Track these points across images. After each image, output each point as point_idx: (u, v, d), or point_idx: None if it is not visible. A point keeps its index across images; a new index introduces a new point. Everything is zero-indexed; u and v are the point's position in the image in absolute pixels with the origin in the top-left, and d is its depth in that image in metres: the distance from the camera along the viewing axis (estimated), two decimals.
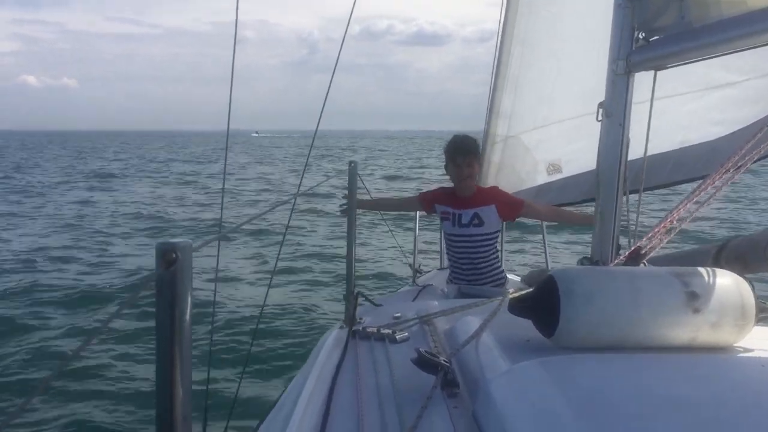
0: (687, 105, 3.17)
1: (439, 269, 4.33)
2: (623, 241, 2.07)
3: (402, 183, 23.69)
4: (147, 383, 4.95)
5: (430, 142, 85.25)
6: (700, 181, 1.80)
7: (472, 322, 1.76)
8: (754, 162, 1.87)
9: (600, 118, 2.01)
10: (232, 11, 2.66)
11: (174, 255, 0.80)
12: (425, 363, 1.46)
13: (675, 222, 1.82)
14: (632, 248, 1.88)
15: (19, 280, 8.26)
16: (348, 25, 2.95)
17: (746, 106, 3.00)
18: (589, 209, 2.78)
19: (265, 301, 3.32)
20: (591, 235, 2.11)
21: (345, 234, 2.56)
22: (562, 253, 9.52)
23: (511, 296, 1.68)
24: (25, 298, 7.44)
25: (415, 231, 4.57)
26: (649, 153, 2.05)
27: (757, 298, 1.47)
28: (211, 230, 12.70)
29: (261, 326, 5.81)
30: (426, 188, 3.55)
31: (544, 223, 4.39)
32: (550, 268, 4.34)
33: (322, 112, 3.01)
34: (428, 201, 3.33)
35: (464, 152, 3.06)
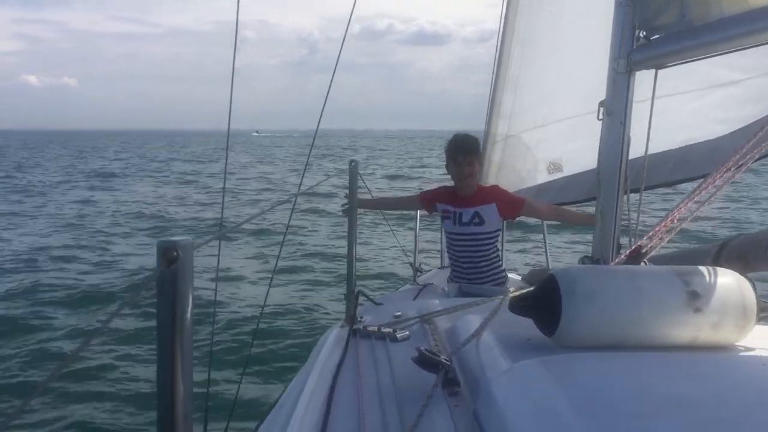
0: (688, 104, 3.16)
1: (439, 268, 4.33)
2: (624, 240, 2.07)
3: (403, 182, 23.68)
4: (149, 383, 4.95)
5: (431, 141, 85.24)
6: (701, 180, 1.80)
7: (472, 320, 1.76)
8: (756, 161, 1.87)
9: (601, 116, 2.01)
10: (233, 11, 2.66)
11: (175, 253, 0.80)
12: (426, 362, 1.46)
13: (676, 221, 1.81)
14: (633, 247, 1.88)
15: (20, 280, 8.26)
16: (348, 24, 2.95)
17: (748, 105, 3.00)
18: (590, 208, 2.78)
19: (265, 300, 3.32)
20: (592, 235, 2.11)
21: (346, 233, 2.56)
22: (562, 252, 9.52)
23: (511, 295, 1.68)
24: (26, 297, 7.44)
25: (416, 230, 4.57)
26: (650, 152, 2.05)
27: (758, 297, 1.47)
28: (213, 230, 12.71)
29: (262, 325, 5.82)
30: (427, 188, 3.55)
31: (545, 222, 4.39)
32: (550, 267, 4.34)
33: (322, 111, 3.02)
34: (429, 200, 3.33)
35: (465, 151, 3.06)
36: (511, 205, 3.16)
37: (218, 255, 2.88)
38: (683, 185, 3.32)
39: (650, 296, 1.44)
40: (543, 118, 3.83)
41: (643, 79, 1.98)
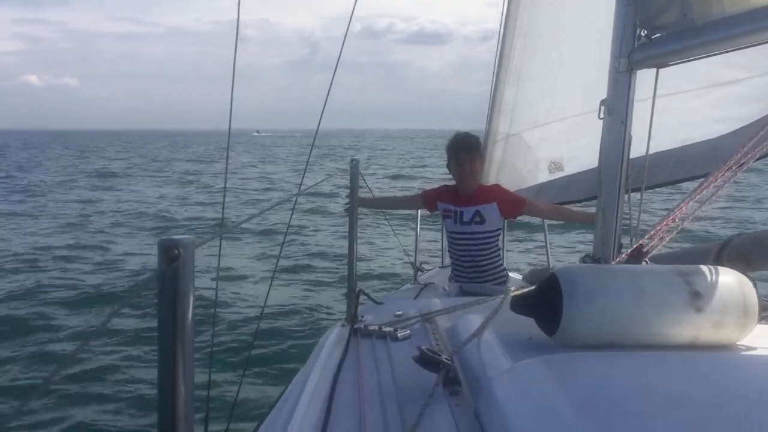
0: (689, 103, 3.16)
1: (440, 267, 4.33)
2: (625, 239, 2.07)
3: (404, 182, 23.68)
4: (150, 384, 4.95)
5: (432, 141, 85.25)
6: (702, 180, 1.80)
7: (473, 320, 1.75)
8: (757, 160, 1.86)
9: (602, 115, 2.01)
10: (234, 11, 2.67)
11: (176, 251, 0.80)
12: (427, 361, 1.46)
13: (677, 220, 1.81)
14: (634, 246, 1.88)
15: (22, 281, 8.27)
16: (349, 23, 2.95)
17: (749, 104, 3.00)
18: (591, 208, 2.78)
19: (266, 299, 3.32)
20: (593, 234, 2.11)
21: (347, 233, 2.56)
22: (563, 251, 9.52)
23: (512, 294, 1.68)
24: (28, 298, 7.44)
25: (417, 229, 4.57)
26: (650, 151, 2.05)
27: (759, 296, 1.47)
28: (215, 230, 12.71)
29: (263, 325, 5.81)
30: (429, 187, 3.55)
31: (546, 222, 4.39)
32: (552, 266, 4.34)
33: (323, 110, 3.02)
34: (431, 199, 3.33)
35: (466, 149, 3.07)
36: (512, 204, 3.16)
37: (219, 254, 2.88)
38: (685, 184, 3.32)
39: (651, 295, 1.44)
40: (544, 116, 3.83)
41: (644, 78, 1.98)
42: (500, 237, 3.25)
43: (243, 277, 8.58)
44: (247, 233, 11.51)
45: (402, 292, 3.75)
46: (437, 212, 3.35)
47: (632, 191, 2.07)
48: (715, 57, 1.92)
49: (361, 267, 8.34)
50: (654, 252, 1.86)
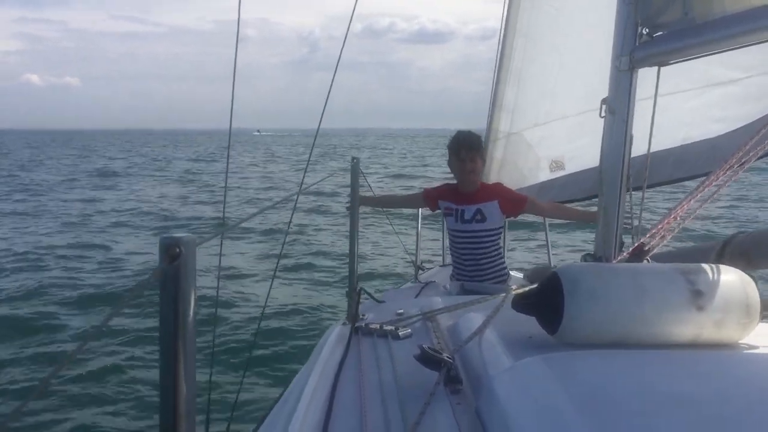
0: (689, 102, 3.16)
1: (441, 266, 4.33)
2: (626, 238, 2.06)
3: (406, 181, 23.68)
4: (151, 384, 4.95)
5: (433, 140, 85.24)
6: (704, 178, 1.80)
7: (475, 318, 1.76)
8: (757, 159, 1.86)
9: (603, 114, 2.01)
10: (235, 10, 2.67)
11: (178, 249, 0.80)
12: (428, 359, 1.46)
13: (678, 219, 1.81)
14: (636, 245, 1.88)
15: (24, 280, 8.28)
16: (350, 23, 2.95)
17: (748, 103, 3.00)
18: (592, 207, 2.78)
19: (267, 298, 3.32)
20: (594, 232, 2.11)
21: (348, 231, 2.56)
22: (564, 249, 9.52)
23: (514, 293, 1.68)
24: (30, 297, 7.45)
25: (418, 228, 4.57)
26: (651, 150, 2.05)
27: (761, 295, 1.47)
28: (216, 229, 12.71)
29: (264, 323, 5.82)
30: (430, 186, 3.55)
31: (547, 220, 4.39)
32: (553, 265, 4.34)
33: (324, 110, 3.02)
34: (433, 197, 3.33)
35: (467, 147, 3.07)
36: (513, 203, 3.16)
37: (220, 253, 2.89)
38: (687, 183, 3.32)
39: (653, 294, 1.43)
40: (545, 114, 3.83)
41: (644, 77, 1.98)
42: (502, 236, 3.24)
43: (244, 276, 8.58)
44: (248, 232, 11.52)
45: (403, 290, 3.75)
46: (439, 211, 3.35)
47: (633, 190, 2.06)
48: (712, 57, 1.92)
49: (362, 266, 8.34)
50: (655, 251, 1.86)
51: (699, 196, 1.77)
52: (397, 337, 1.89)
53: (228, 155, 3.17)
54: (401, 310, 2.17)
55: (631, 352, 1.38)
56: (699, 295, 1.42)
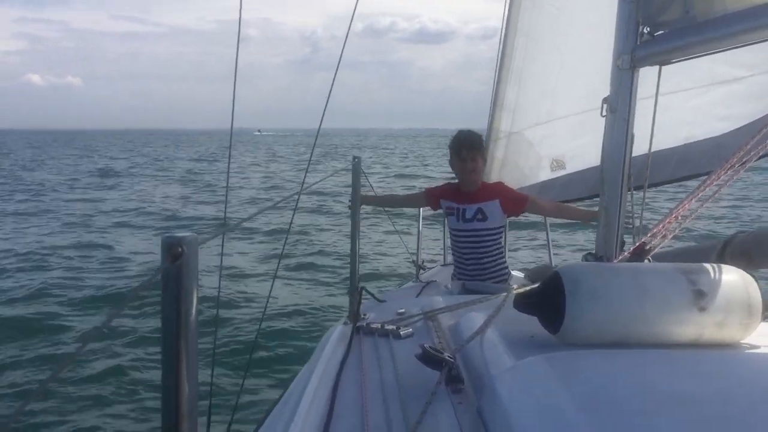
0: (691, 100, 3.16)
1: (442, 265, 4.33)
2: (627, 237, 2.06)
3: (407, 181, 23.68)
4: (154, 385, 4.95)
5: (435, 139, 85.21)
6: (704, 178, 1.79)
7: (476, 318, 1.76)
8: (759, 158, 1.86)
9: (604, 113, 2.01)
10: (236, 10, 2.67)
11: (180, 249, 0.80)
12: (429, 359, 1.46)
13: (679, 218, 1.81)
14: (637, 244, 1.88)
15: (27, 280, 8.28)
16: (351, 22, 2.95)
17: (751, 102, 2.99)
18: (594, 206, 2.77)
19: (268, 298, 3.33)
20: (595, 232, 2.11)
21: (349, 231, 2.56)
22: (566, 249, 9.51)
23: (515, 292, 1.68)
24: (32, 297, 7.45)
25: (419, 227, 4.57)
26: (653, 149, 2.05)
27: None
28: (218, 228, 12.71)
29: (266, 323, 5.82)
30: (432, 186, 3.55)
31: (548, 220, 4.38)
32: (554, 264, 4.34)
33: (325, 109, 3.02)
34: (434, 197, 3.33)
35: (468, 147, 3.07)
36: (515, 202, 3.16)
37: (221, 252, 2.89)
38: (690, 182, 3.31)
39: (654, 294, 1.43)
40: (546, 114, 3.82)
41: (645, 76, 1.98)
42: (503, 235, 3.24)
43: (247, 276, 8.59)
44: (251, 233, 11.53)
45: (404, 290, 3.75)
46: (441, 210, 3.35)
47: (634, 189, 2.06)
48: (716, 55, 1.91)
49: (363, 265, 8.34)
50: (656, 250, 1.86)
51: (700, 195, 1.76)
52: (398, 337, 1.89)
53: (229, 155, 3.17)
54: (402, 310, 2.17)
55: (632, 351, 1.38)
56: (701, 295, 1.41)
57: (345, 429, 1.34)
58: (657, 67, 1.96)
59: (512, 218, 3.39)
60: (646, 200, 2.11)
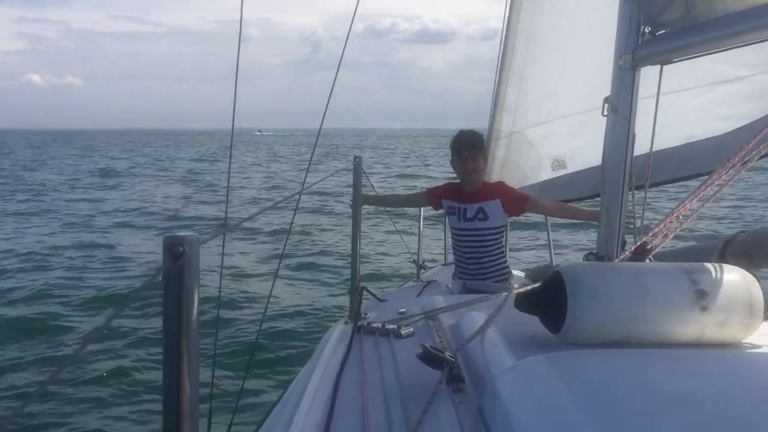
0: (693, 100, 3.16)
1: (443, 265, 4.33)
2: (628, 237, 2.06)
3: (408, 181, 23.68)
4: (154, 384, 4.95)
5: (435, 139, 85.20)
6: (705, 178, 1.79)
7: (477, 317, 1.76)
8: (761, 158, 1.86)
9: (605, 113, 2.01)
10: (236, 10, 2.67)
11: (181, 248, 0.80)
12: (430, 358, 1.46)
13: (681, 218, 1.81)
14: (638, 244, 1.88)
15: (28, 280, 8.29)
16: (352, 23, 2.95)
17: (753, 101, 2.99)
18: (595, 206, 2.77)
19: (269, 297, 3.33)
20: (596, 231, 2.11)
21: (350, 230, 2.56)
22: (567, 249, 9.51)
23: (516, 292, 1.68)
24: (34, 297, 7.45)
25: (420, 226, 4.57)
26: (654, 148, 2.05)
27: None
28: (219, 228, 12.70)
29: (267, 323, 5.82)
30: (433, 185, 3.55)
31: (549, 219, 4.38)
32: (555, 264, 4.33)
33: (326, 110, 3.02)
34: (436, 196, 3.33)
35: (469, 146, 3.07)
36: (516, 201, 3.16)
37: (222, 252, 2.89)
38: (691, 182, 3.31)
39: (656, 293, 1.43)
40: (547, 114, 3.83)
41: (646, 75, 1.98)
42: (504, 235, 3.24)
43: (248, 276, 8.59)
44: (252, 232, 11.53)
45: (405, 289, 3.75)
46: (442, 209, 3.35)
47: (636, 189, 2.06)
48: (719, 54, 1.91)
49: (364, 265, 8.34)
50: (657, 250, 1.86)
51: (701, 195, 1.76)
52: (399, 336, 1.89)
53: (230, 155, 3.17)
54: (403, 309, 2.17)
55: (634, 351, 1.38)
56: (702, 295, 1.41)
57: (346, 428, 1.34)
58: (658, 67, 1.96)
59: (513, 218, 3.39)
60: (648, 200, 2.11)
